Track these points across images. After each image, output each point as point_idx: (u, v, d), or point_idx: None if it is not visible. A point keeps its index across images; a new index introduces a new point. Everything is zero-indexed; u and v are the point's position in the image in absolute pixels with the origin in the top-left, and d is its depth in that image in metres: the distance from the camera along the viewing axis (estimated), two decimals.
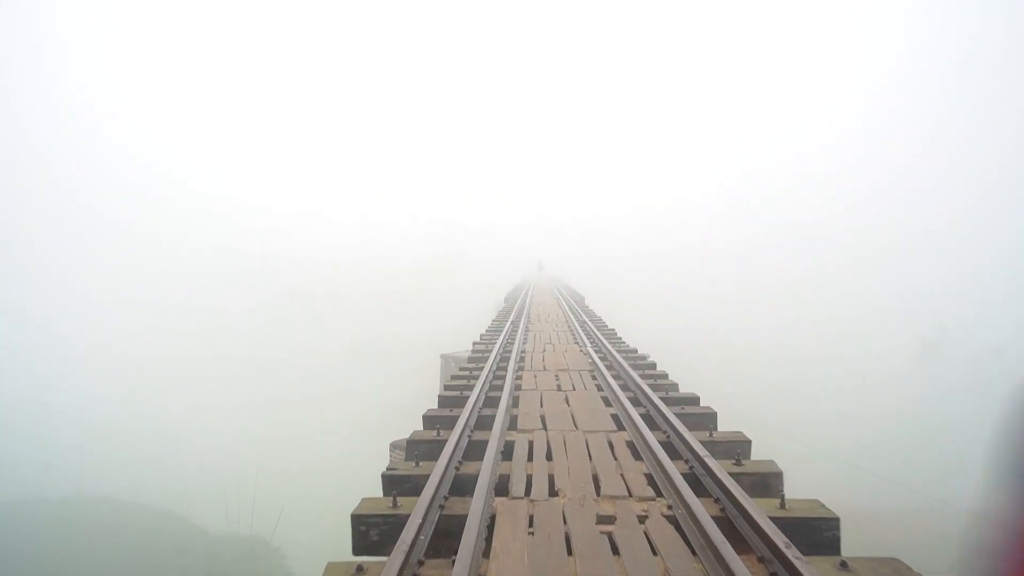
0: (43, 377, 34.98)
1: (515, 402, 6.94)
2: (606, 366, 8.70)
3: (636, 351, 10.63)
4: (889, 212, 73.48)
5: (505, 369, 8.49)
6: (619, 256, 73.11)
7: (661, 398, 6.54)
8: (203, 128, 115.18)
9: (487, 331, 13.98)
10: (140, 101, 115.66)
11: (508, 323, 13.92)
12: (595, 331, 12.40)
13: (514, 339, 11.32)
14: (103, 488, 21.52)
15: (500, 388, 7.24)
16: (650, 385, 7.14)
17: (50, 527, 18.24)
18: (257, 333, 44.26)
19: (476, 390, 6.91)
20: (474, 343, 12.54)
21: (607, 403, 6.94)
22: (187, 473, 21.99)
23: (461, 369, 9.60)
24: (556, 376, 8.44)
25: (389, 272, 64.64)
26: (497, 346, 10.29)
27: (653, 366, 9.25)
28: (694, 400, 7.07)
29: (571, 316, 15.69)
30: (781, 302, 48.29)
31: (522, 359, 9.80)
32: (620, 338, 12.52)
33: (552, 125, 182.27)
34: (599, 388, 7.80)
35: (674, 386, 7.84)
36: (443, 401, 7.35)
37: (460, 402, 6.78)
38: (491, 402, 6.78)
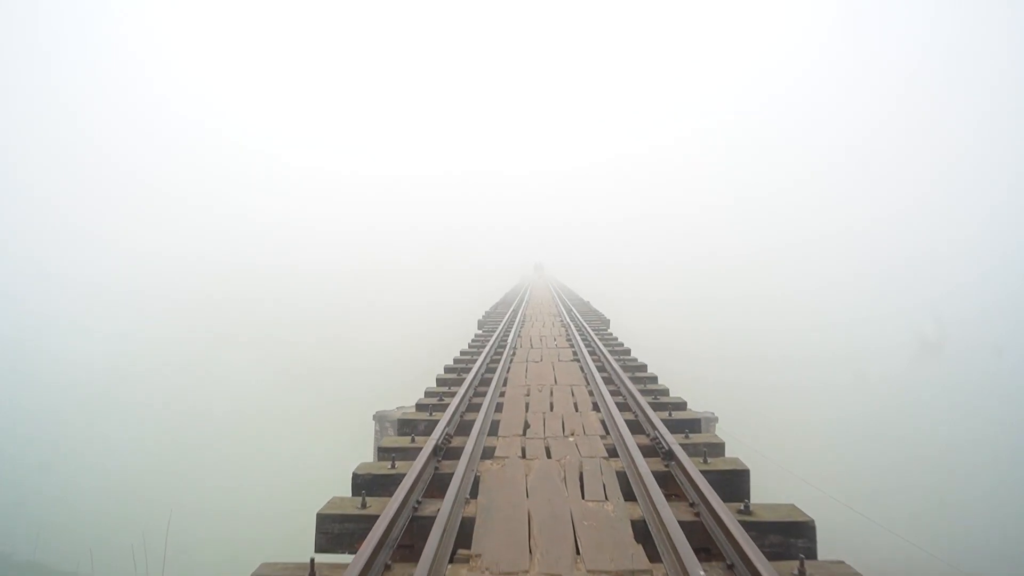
0: None
1: None
2: None
3: None
4: (889, 215, 76.55)
5: None
6: (625, 262, 72.52)
7: None
8: (198, 129, 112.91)
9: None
10: (128, 104, 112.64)
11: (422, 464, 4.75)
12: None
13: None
14: None
15: None
16: None
17: None
18: (188, 369, 41.84)
19: None
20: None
21: None
22: (93, 526, 20.31)
23: None
24: None
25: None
26: None
27: None
28: None
29: (607, 401, 6.90)
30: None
31: None
32: None
33: (554, 125, 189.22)
34: None
35: None
36: None
37: None
38: None
